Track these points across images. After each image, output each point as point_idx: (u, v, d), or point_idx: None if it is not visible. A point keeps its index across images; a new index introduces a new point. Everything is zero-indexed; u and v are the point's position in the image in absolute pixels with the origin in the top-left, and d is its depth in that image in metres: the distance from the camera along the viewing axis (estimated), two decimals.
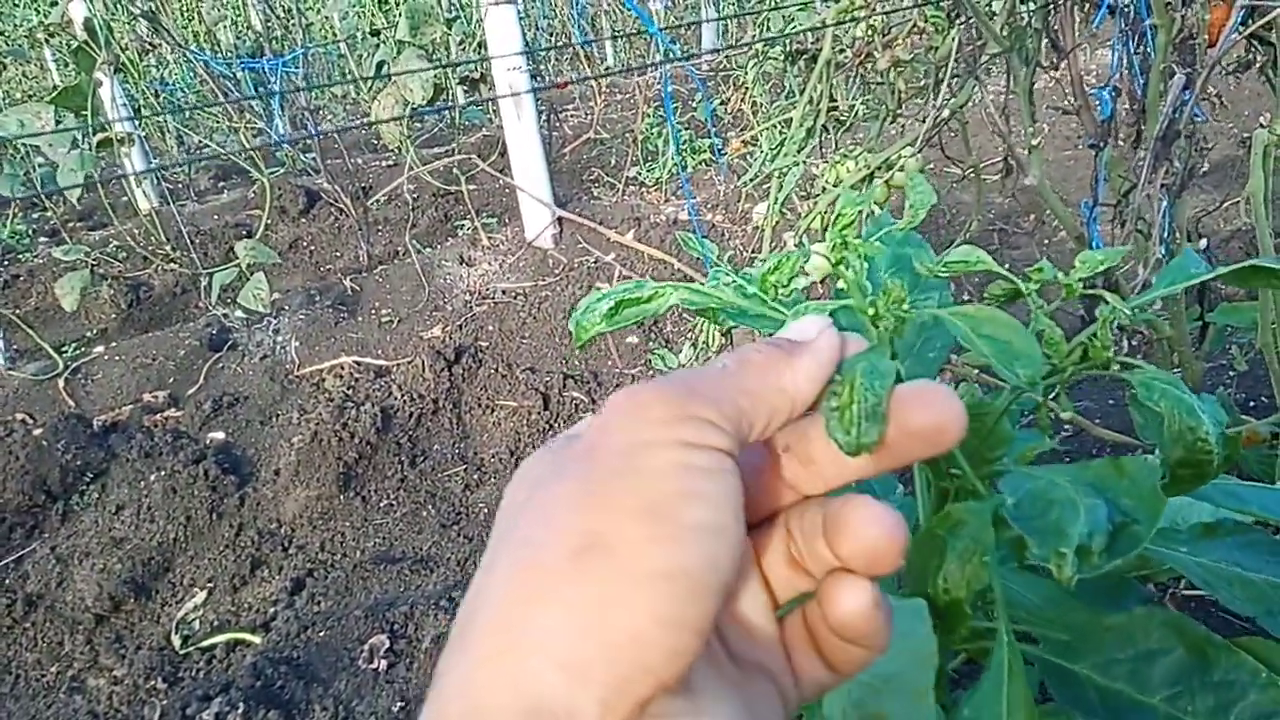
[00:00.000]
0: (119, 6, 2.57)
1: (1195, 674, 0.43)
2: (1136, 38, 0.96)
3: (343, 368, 2.53)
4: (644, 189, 3.79)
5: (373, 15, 4.08)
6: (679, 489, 0.29)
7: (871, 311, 0.46)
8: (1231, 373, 1.30)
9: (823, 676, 0.36)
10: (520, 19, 3.00)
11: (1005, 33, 0.98)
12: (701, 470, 0.30)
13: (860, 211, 0.51)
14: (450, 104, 3.20)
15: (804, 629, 0.36)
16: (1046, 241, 2.89)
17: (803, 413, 0.35)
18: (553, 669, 0.27)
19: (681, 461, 0.29)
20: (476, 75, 2.90)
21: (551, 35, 6.28)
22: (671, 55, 3.67)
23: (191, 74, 4.95)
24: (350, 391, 2.39)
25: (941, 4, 0.98)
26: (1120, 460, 0.42)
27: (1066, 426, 1.41)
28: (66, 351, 2.76)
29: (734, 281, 0.57)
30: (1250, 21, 0.79)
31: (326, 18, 6.64)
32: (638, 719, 0.27)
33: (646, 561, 0.27)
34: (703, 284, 0.50)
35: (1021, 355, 0.42)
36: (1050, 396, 0.49)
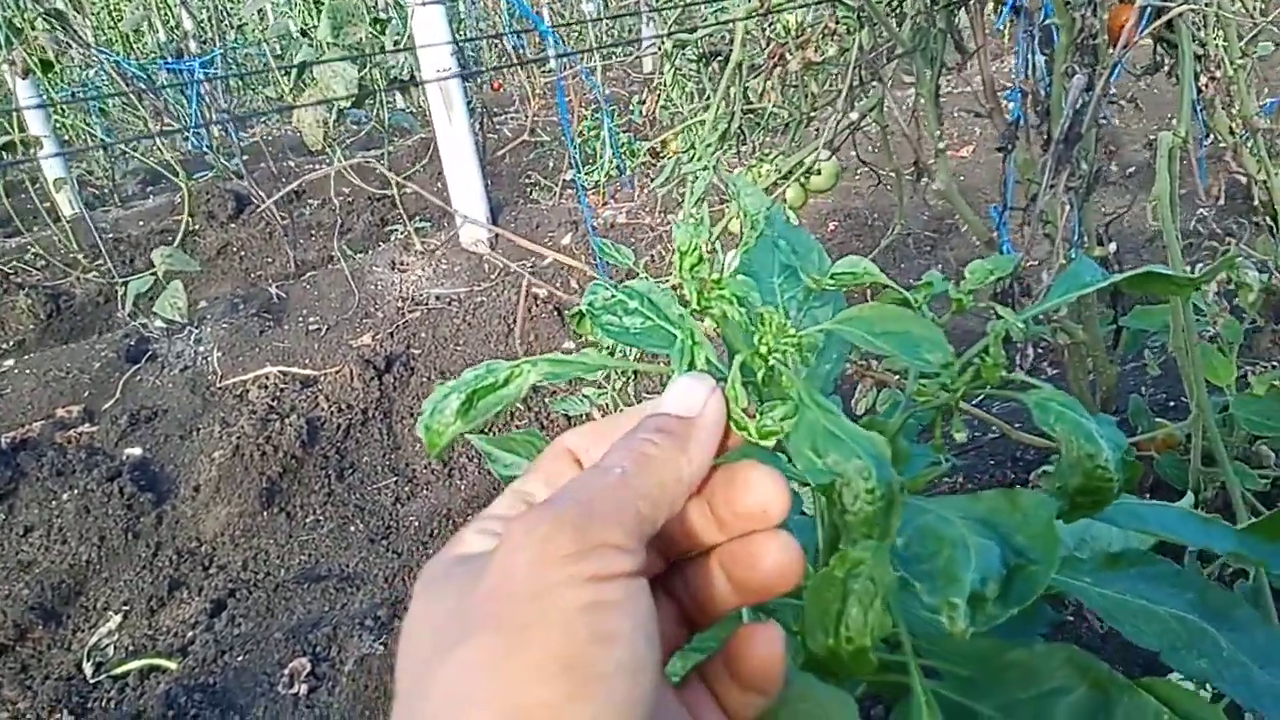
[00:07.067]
0: (25, 3, 2.45)
1: (1098, 713, 0.41)
2: (1041, 38, 0.96)
3: (267, 378, 2.45)
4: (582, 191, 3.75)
5: (303, 14, 3.98)
6: (592, 634, 0.28)
7: (763, 349, 0.42)
8: (1147, 375, 1.31)
9: None
10: (453, 21, 2.95)
11: (911, 34, 0.97)
12: (611, 606, 0.29)
13: (700, 245, 0.47)
14: (379, 104, 3.13)
15: (703, 687, 0.37)
16: (974, 245, 2.91)
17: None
18: None
19: (590, 601, 0.29)
20: (407, 76, 2.83)
21: (486, 40, 6.22)
22: (563, 52, 3.64)
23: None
24: (275, 403, 2.32)
25: (850, 5, 0.96)
26: (1013, 492, 0.40)
27: (993, 429, 1.41)
28: None
29: (623, 297, 0.54)
30: (1154, 20, 0.78)
31: (261, 16, 6.50)
32: None
33: None
34: (567, 355, 0.46)
35: (923, 341, 0.40)
36: (945, 420, 0.46)
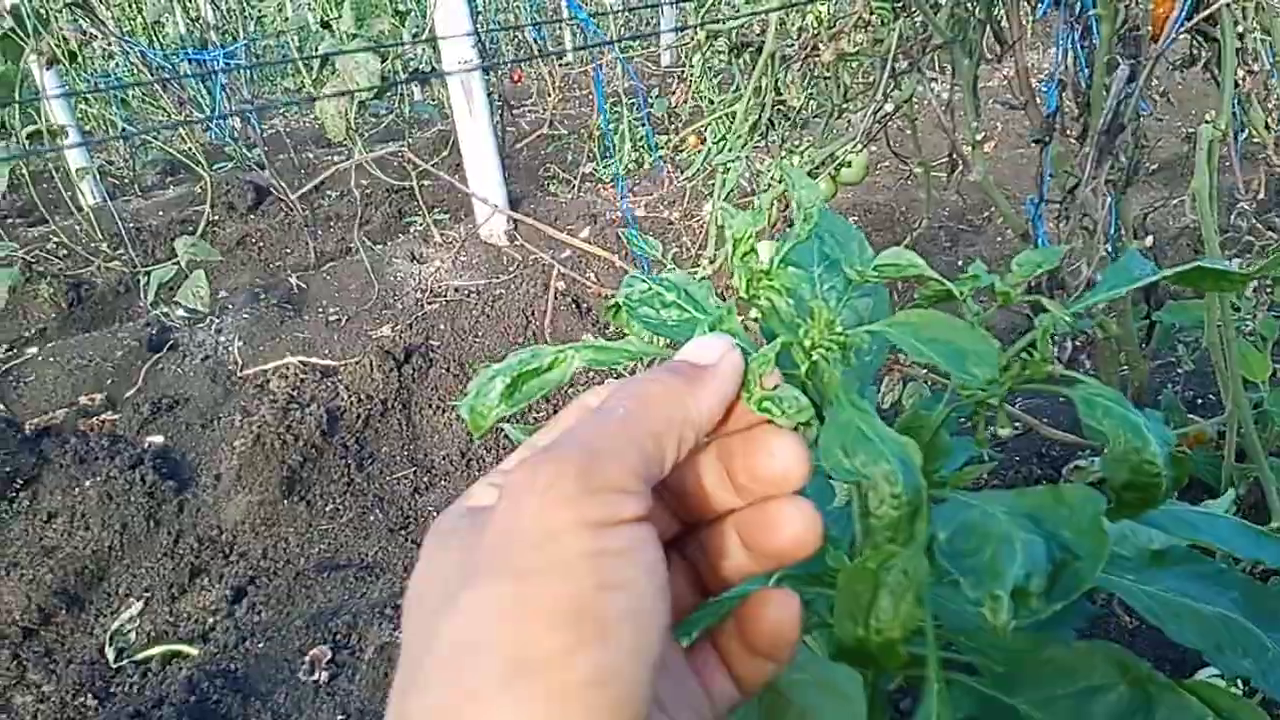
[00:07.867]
0: None
1: (1138, 713, 0.41)
2: (1081, 29, 0.95)
3: (288, 368, 2.46)
4: (600, 185, 3.75)
5: (322, 7, 3.99)
6: (597, 583, 0.28)
7: (807, 343, 0.42)
8: (1179, 371, 1.29)
9: (732, 693, 0.37)
10: (474, 13, 2.95)
11: (949, 23, 0.96)
12: (617, 554, 0.29)
13: (754, 234, 0.47)
14: (399, 96, 3.14)
15: (713, 651, 0.37)
16: (999, 239, 2.89)
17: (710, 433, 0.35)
18: None
19: (595, 549, 0.28)
20: (428, 69, 2.83)
21: (505, 32, 6.22)
22: (589, 41, 3.64)
23: (134, 67, 4.82)
24: (295, 393, 2.33)
25: None
26: (1060, 489, 0.39)
27: (1018, 424, 1.40)
28: None
29: (661, 289, 0.53)
30: (1196, 13, 0.77)
31: (280, 9, 6.51)
32: None
33: (576, 673, 0.27)
34: (608, 342, 0.46)
35: (972, 354, 0.40)
36: (988, 413, 0.46)
